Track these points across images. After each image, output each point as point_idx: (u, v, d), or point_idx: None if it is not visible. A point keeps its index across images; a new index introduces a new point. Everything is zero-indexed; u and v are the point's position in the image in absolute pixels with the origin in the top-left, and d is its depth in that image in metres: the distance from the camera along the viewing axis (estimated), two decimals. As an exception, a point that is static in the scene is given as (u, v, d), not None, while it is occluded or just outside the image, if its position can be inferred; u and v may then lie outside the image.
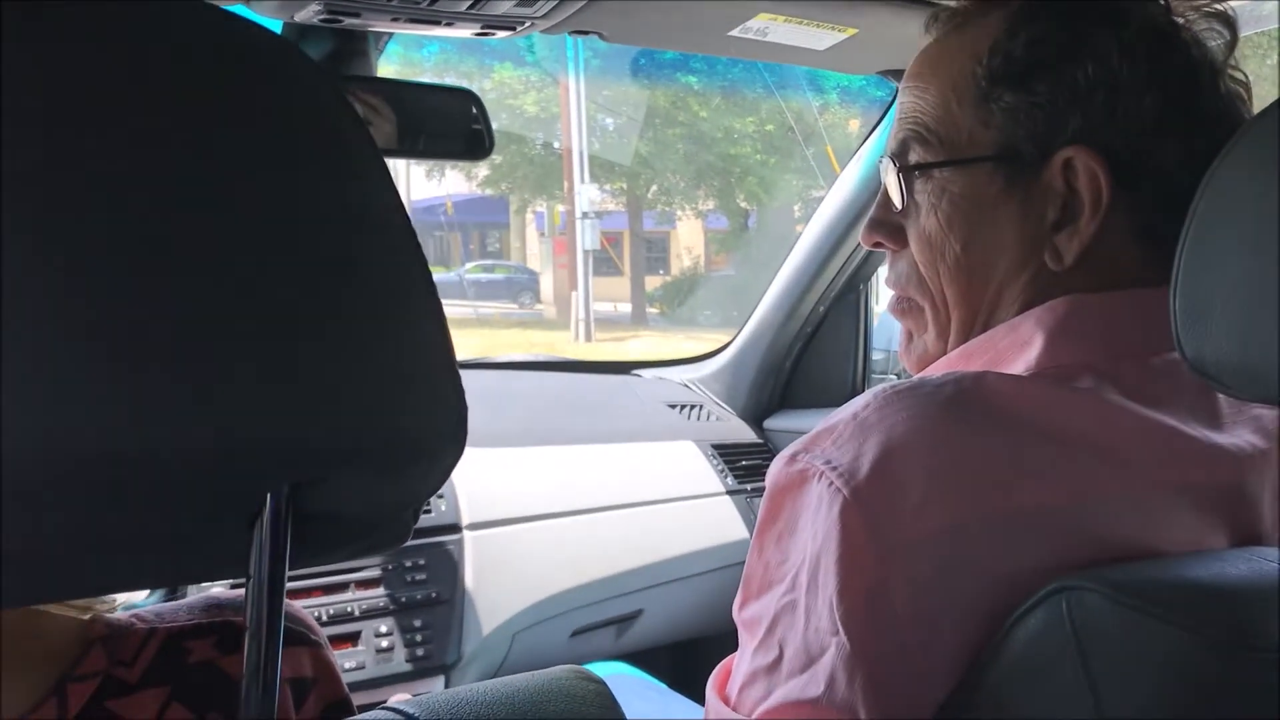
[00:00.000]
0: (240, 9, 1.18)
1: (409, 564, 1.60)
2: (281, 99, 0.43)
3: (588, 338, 12.97)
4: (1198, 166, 0.63)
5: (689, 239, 17.68)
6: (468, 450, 1.50)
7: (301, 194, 0.42)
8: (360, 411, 0.43)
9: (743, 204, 15.01)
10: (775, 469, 0.70)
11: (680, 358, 2.42)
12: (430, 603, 1.60)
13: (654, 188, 15.38)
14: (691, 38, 1.47)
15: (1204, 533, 0.69)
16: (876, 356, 2.16)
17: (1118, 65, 0.74)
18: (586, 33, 1.33)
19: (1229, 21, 0.79)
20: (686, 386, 2.30)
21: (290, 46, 0.44)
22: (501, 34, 1.26)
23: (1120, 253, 0.76)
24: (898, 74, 1.68)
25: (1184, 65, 0.76)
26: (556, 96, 13.38)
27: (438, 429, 0.45)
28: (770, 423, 2.22)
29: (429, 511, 1.64)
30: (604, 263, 15.84)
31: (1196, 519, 0.69)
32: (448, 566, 1.63)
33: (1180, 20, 0.78)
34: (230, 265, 0.40)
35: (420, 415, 0.45)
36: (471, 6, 1.15)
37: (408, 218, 0.45)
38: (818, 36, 1.39)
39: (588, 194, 13.25)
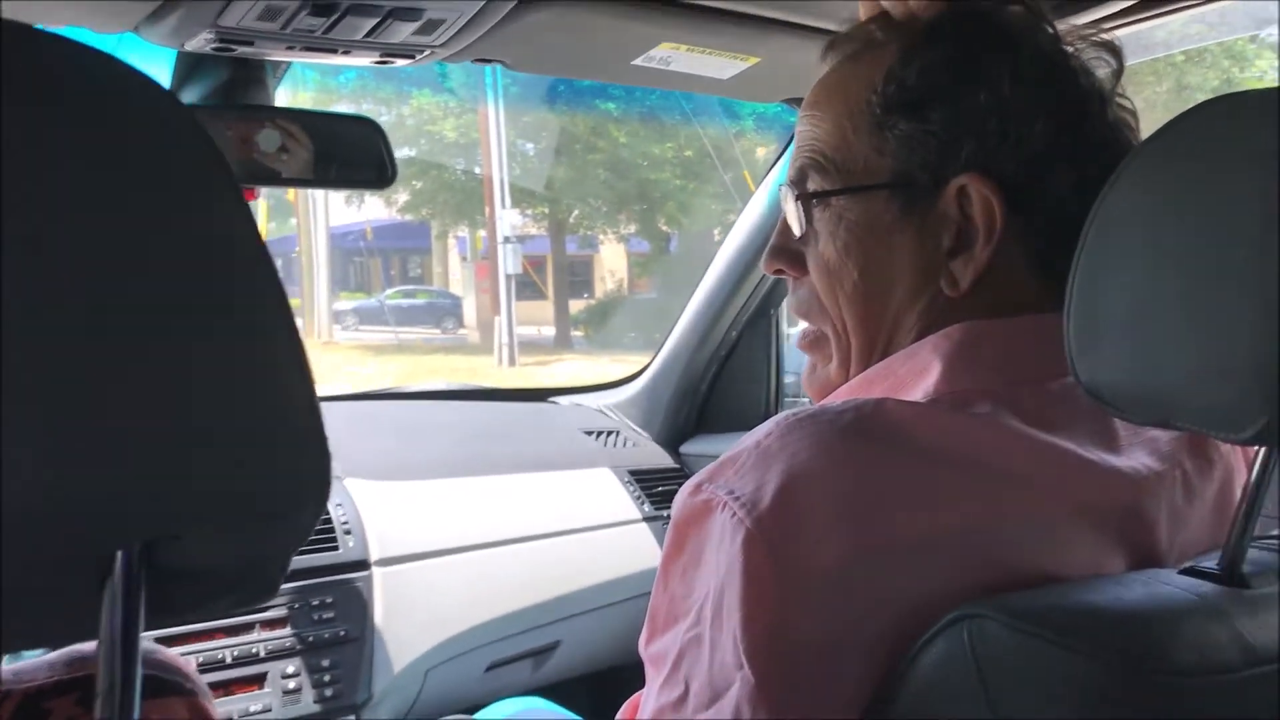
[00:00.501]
0: (129, 37, 1.15)
1: (316, 602, 1.56)
2: (129, 130, 0.41)
3: (511, 362, 12.91)
4: (1088, 193, 0.64)
5: (612, 262, 17.73)
6: (377, 484, 1.48)
7: (148, 232, 0.40)
8: (215, 464, 0.41)
9: (664, 228, 15.11)
10: (679, 500, 0.69)
11: (603, 381, 2.41)
12: (339, 641, 1.56)
13: (576, 212, 15.41)
14: (596, 67, 1.46)
15: (1103, 555, 0.69)
16: (789, 379, 2.18)
17: (1009, 93, 0.74)
18: (489, 61, 1.32)
19: (1115, 51, 0.81)
20: (603, 413, 2.28)
21: (135, 73, 0.42)
22: (401, 62, 1.24)
23: (1015, 278, 0.76)
24: (801, 102, 1.70)
25: (1073, 92, 0.77)
26: (476, 122, 13.36)
27: (300, 479, 0.43)
28: (687, 448, 2.22)
29: (335, 548, 1.60)
30: (527, 287, 15.82)
31: (1096, 542, 0.69)
32: (356, 604, 1.59)
33: (1069, 49, 0.79)
34: (71, 308, 0.38)
35: (280, 465, 0.43)
36: (369, 34, 1.14)
37: (268, 254, 0.43)
38: (721, 65, 1.39)
39: (509, 219, 13.24)
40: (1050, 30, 0.79)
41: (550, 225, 15.46)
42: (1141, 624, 0.58)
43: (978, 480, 0.66)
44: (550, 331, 15.71)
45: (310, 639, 1.53)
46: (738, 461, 0.67)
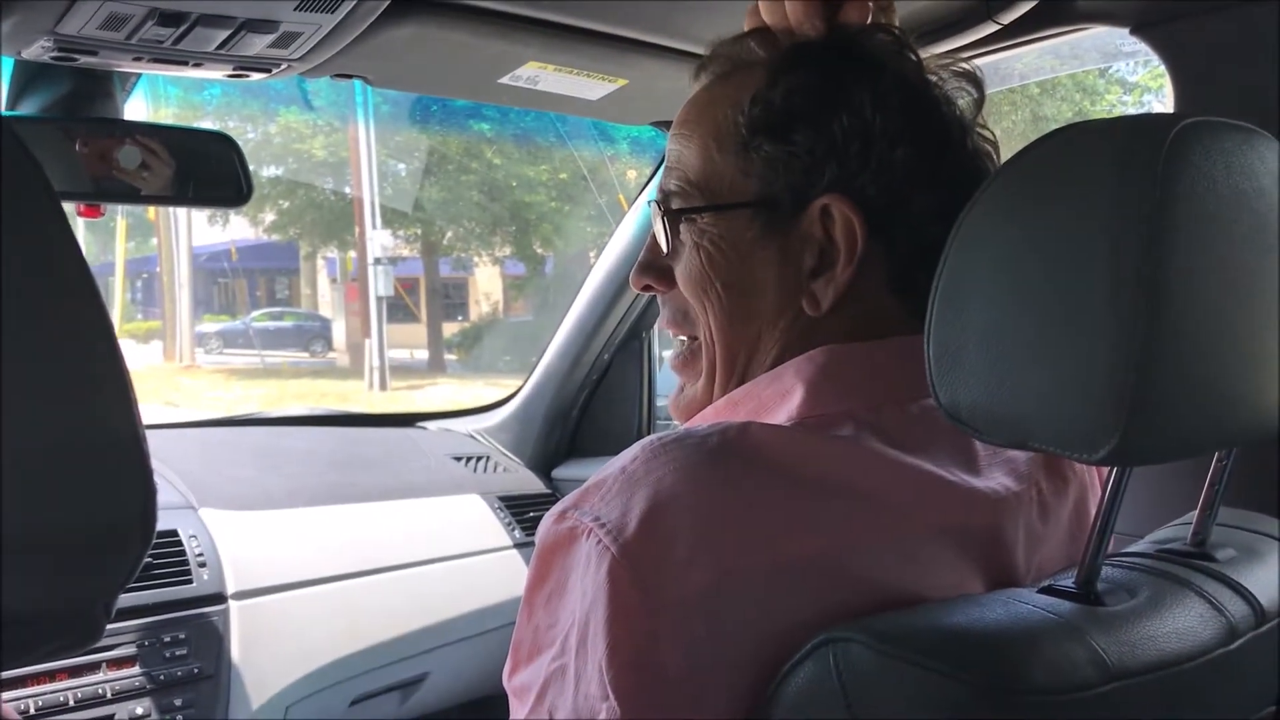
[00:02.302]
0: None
1: (168, 639, 1.49)
2: None
3: (382, 386, 12.66)
4: (948, 218, 0.65)
5: (487, 285, 17.62)
6: (235, 514, 1.41)
7: None
8: (26, 499, 0.37)
9: (539, 250, 15.06)
10: (544, 527, 0.68)
11: (476, 406, 2.37)
12: (192, 679, 1.49)
13: (449, 234, 15.24)
14: (461, 84, 1.45)
15: (965, 575, 0.70)
16: (662, 402, 2.18)
17: (872, 117, 0.75)
18: (350, 76, 1.29)
19: (976, 81, 0.83)
20: (473, 437, 2.25)
21: None
22: (257, 76, 1.20)
23: (876, 300, 0.78)
24: (669, 125, 1.71)
25: (935, 120, 0.79)
26: (346, 141, 13.11)
27: (121, 517, 0.40)
28: (559, 472, 2.20)
29: (189, 582, 1.53)
30: (400, 309, 15.59)
31: (958, 562, 0.70)
32: (211, 639, 1.53)
33: (932, 78, 0.81)
34: None
35: (96, 502, 0.39)
36: (221, 47, 1.10)
37: (88, 272, 0.40)
38: (589, 86, 1.39)
39: (380, 240, 13.01)
40: (914, 58, 0.80)
41: (423, 247, 15.27)
42: (1001, 644, 0.58)
43: (841, 503, 0.67)
44: (424, 355, 15.49)
45: (161, 677, 1.46)
46: (603, 487, 0.66)
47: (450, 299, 17.61)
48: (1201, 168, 0.58)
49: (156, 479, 1.39)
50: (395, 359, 13.87)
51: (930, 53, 0.83)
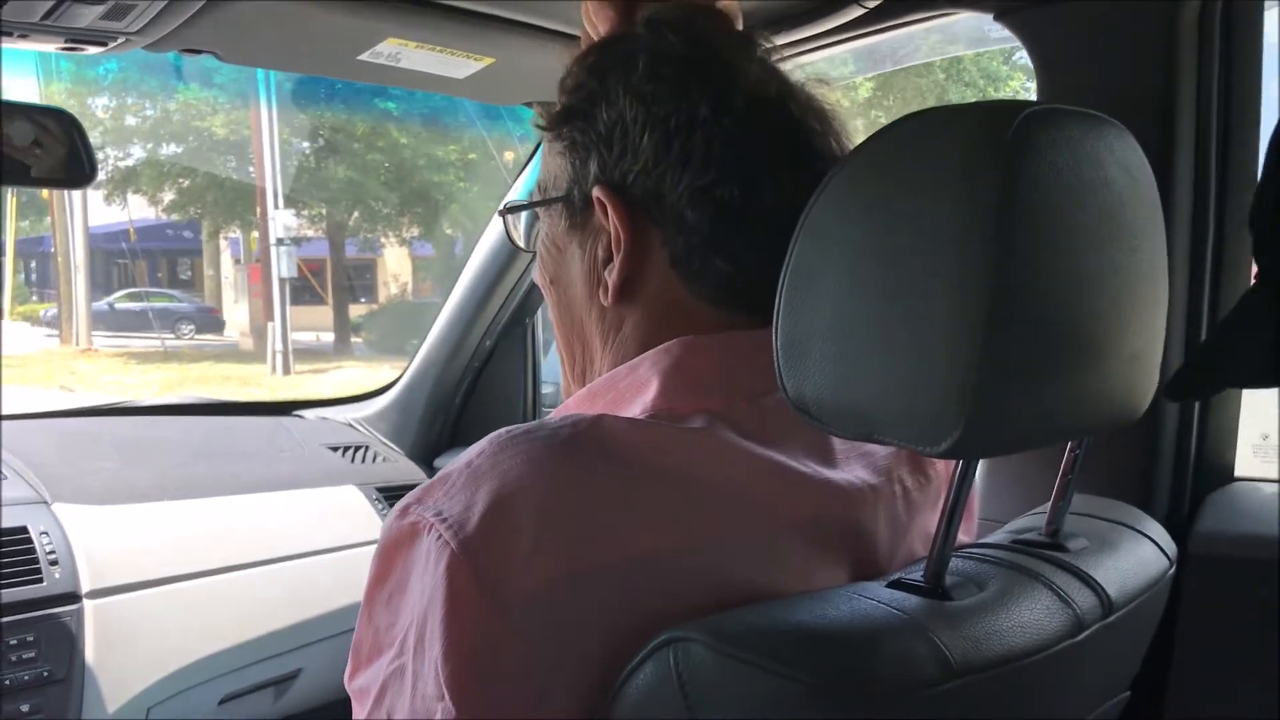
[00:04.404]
0: None
1: (13, 642, 1.42)
2: None
3: (285, 370, 12.46)
4: (701, 201, 0.73)
5: (395, 266, 17.47)
6: (93, 509, 1.35)
7: None
8: None
9: (448, 231, 14.96)
10: (387, 524, 0.67)
11: (356, 394, 2.32)
12: (41, 683, 1.43)
13: (356, 214, 15.03)
14: (316, 60, 1.40)
15: (821, 568, 0.70)
16: (547, 390, 2.17)
17: (625, 109, 0.77)
18: (199, 51, 1.23)
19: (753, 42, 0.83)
20: (352, 426, 2.20)
21: None
22: (92, 49, 1.15)
23: (663, 286, 0.78)
24: (546, 105, 1.68)
25: (683, 106, 0.77)
26: (248, 119, 12.83)
27: None
28: (441, 461, 2.16)
29: (39, 581, 1.47)
30: (306, 291, 15.36)
31: (814, 555, 0.70)
32: (63, 641, 1.47)
33: (700, 55, 0.79)
34: None
35: None
36: (46, 18, 1.03)
37: None
38: (455, 64, 1.36)
39: (283, 220, 12.76)
40: (672, 40, 0.78)
41: (329, 227, 15.03)
42: (842, 642, 0.58)
43: (693, 497, 0.66)
44: (329, 338, 15.29)
45: (6, 682, 1.41)
46: (448, 481, 0.65)
47: (357, 280, 17.39)
48: (1047, 156, 0.58)
49: (5, 472, 1.32)
50: (300, 342, 13.69)
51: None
